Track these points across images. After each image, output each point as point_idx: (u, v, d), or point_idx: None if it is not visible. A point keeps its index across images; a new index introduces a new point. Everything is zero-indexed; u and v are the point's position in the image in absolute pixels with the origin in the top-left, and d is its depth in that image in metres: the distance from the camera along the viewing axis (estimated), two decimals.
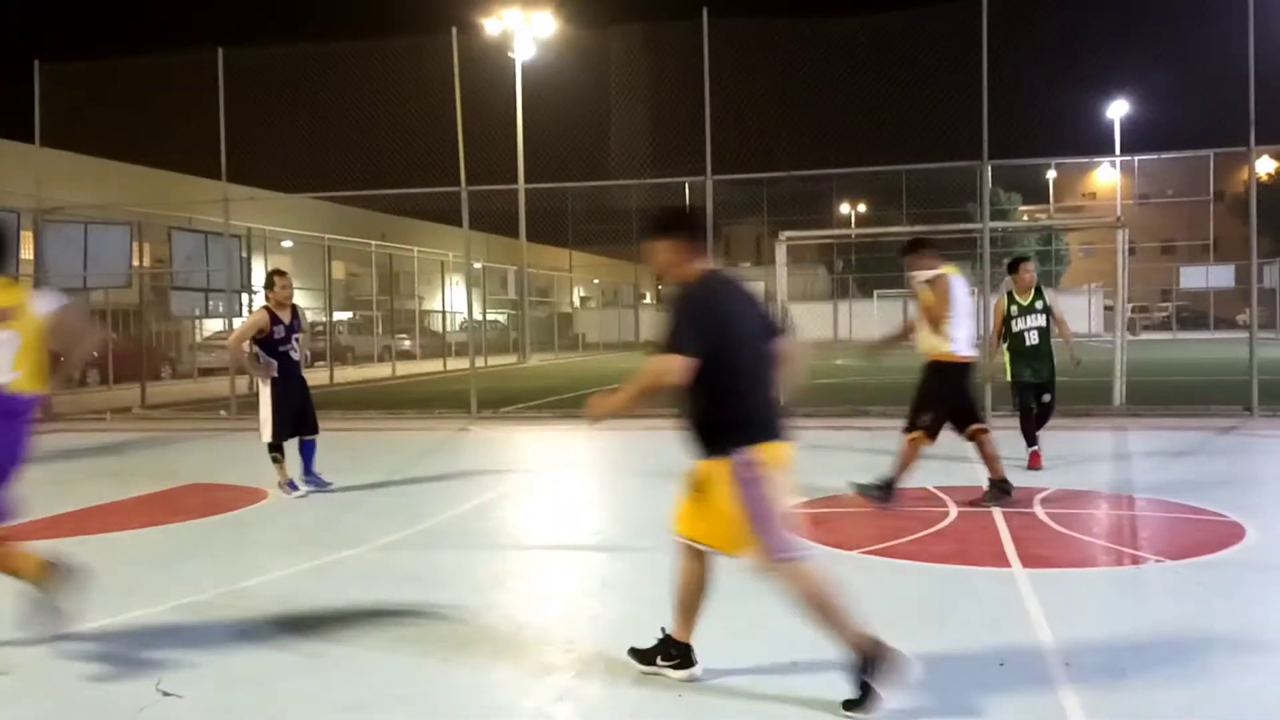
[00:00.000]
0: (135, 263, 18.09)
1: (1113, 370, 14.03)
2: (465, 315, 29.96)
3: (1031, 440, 9.17)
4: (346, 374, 26.96)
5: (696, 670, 4.10)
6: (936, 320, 7.24)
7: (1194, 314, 47.19)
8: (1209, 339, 37.71)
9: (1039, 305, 9.11)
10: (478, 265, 32.22)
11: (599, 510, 8.43)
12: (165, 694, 4.06)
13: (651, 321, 51.46)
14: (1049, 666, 4.17)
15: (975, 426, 7.55)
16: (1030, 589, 5.30)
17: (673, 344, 3.80)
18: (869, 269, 44.26)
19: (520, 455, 11.61)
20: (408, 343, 35.87)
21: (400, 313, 37.36)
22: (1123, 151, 44.16)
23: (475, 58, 17.37)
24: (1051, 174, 53.52)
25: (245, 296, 19.06)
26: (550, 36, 30.32)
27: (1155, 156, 46.31)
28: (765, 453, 3.88)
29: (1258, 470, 9.65)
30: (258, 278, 18.87)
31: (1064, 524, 6.96)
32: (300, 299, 12.88)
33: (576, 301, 56.13)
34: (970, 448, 7.73)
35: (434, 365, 30.89)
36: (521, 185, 25.62)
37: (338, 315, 31.63)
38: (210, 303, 17.98)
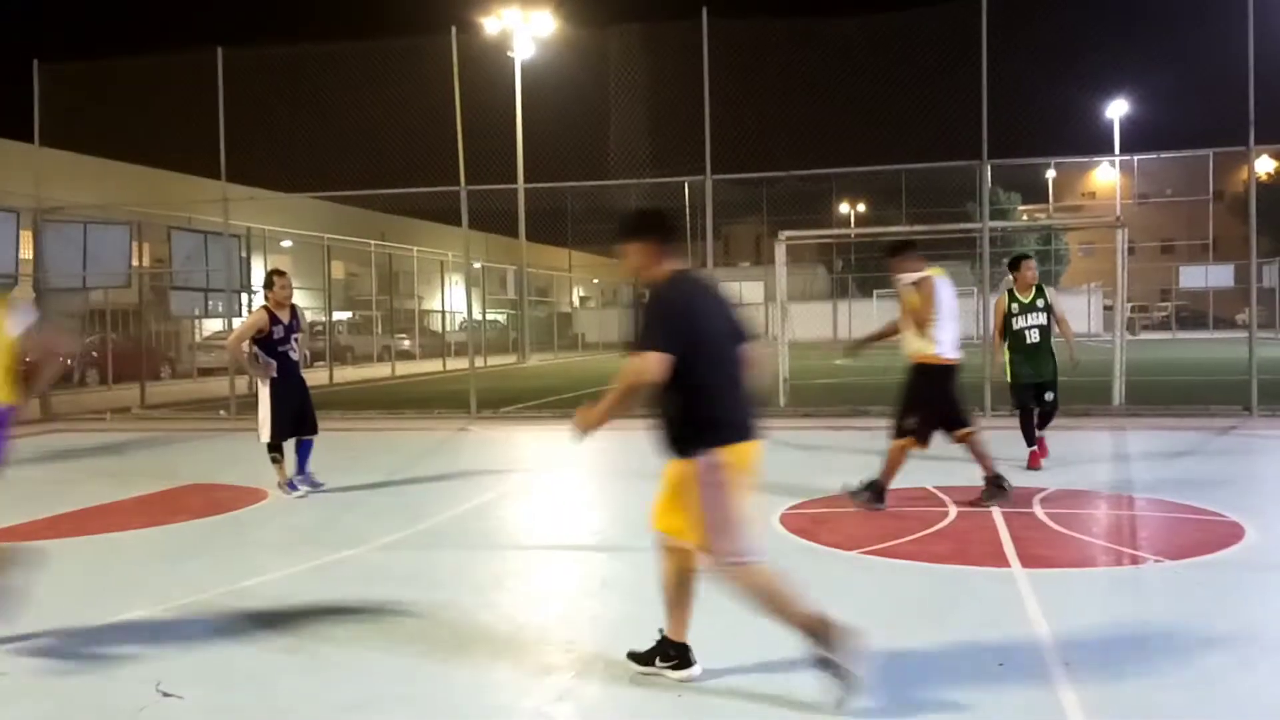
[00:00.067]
0: (135, 262, 18.09)
1: (1112, 370, 14.04)
2: (465, 315, 29.95)
3: (1031, 440, 9.16)
4: (346, 374, 26.95)
5: (695, 670, 4.10)
6: (922, 322, 7.25)
7: (1193, 314, 47.20)
8: (1208, 339, 37.72)
9: (1040, 304, 9.08)
10: (477, 265, 32.22)
11: (599, 510, 8.43)
12: (165, 694, 4.06)
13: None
14: (1048, 666, 4.18)
15: (962, 431, 7.53)
16: (1030, 589, 5.31)
17: (647, 342, 3.84)
18: (868, 269, 44.29)
19: (520, 455, 11.61)
20: (407, 342, 35.86)
21: (400, 312, 37.36)
22: (1122, 151, 44.18)
23: (475, 57, 17.37)
24: (1051, 173, 53.53)
25: (245, 296, 19.06)
26: (549, 36, 30.34)
27: (1154, 156, 46.26)
28: (733, 454, 3.93)
29: (1257, 470, 9.65)
30: (257, 277, 18.86)
31: (1063, 524, 6.96)
32: (300, 299, 12.85)
33: (576, 301, 56.11)
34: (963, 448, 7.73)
35: (433, 365, 30.90)
36: (521, 185, 25.63)
37: (337, 315, 31.63)
38: (210, 303, 17.98)
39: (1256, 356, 13.11)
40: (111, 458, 11.82)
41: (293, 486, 8.56)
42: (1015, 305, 9.16)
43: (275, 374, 8.41)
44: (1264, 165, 45.13)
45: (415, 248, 35.28)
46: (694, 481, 3.91)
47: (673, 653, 4.13)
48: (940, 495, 7.90)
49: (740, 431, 3.99)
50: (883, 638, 4.61)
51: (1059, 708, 3.77)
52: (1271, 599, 5.28)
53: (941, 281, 7.35)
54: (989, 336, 10.07)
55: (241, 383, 15.75)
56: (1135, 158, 50.58)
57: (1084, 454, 9.79)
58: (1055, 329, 9.17)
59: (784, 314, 16.44)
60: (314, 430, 8.73)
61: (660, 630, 4.16)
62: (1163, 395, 14.71)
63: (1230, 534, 6.49)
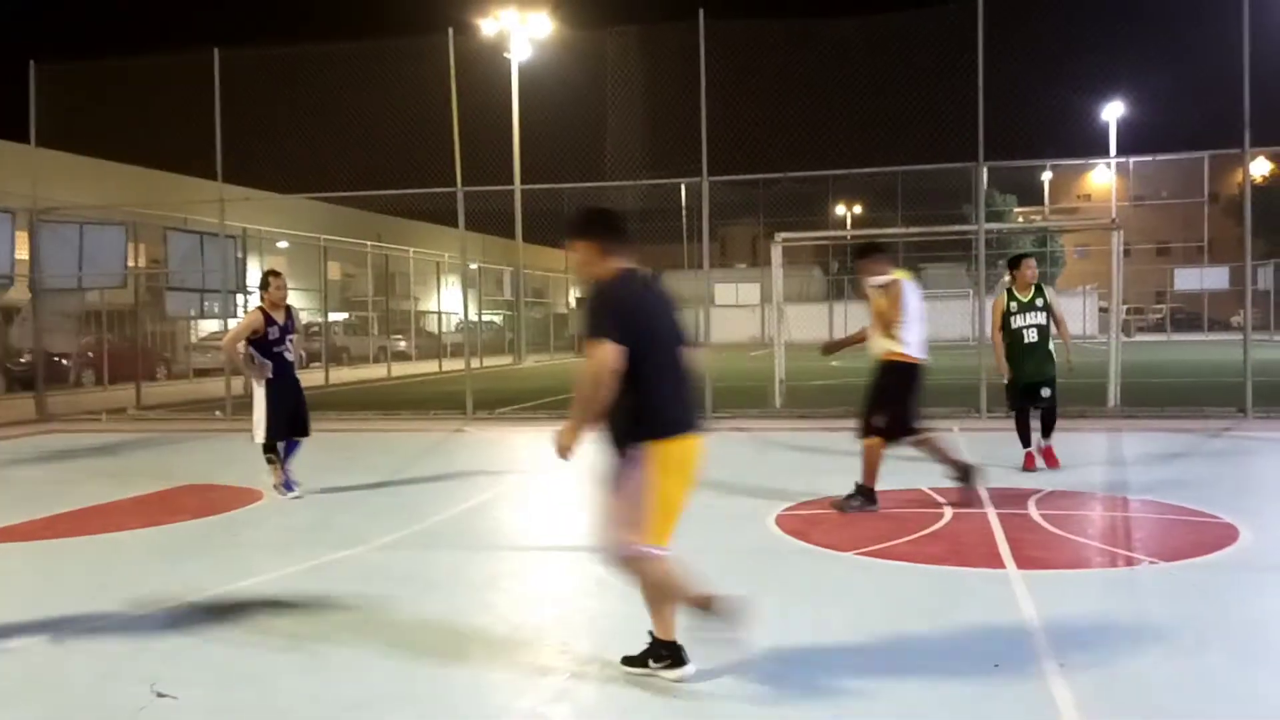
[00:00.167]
0: (131, 263, 18.07)
1: (1108, 371, 14.07)
2: (461, 316, 29.95)
3: (1026, 441, 9.16)
4: (342, 375, 26.94)
5: (689, 669, 4.11)
6: (889, 324, 7.32)
7: (1188, 315, 47.28)
8: (1203, 340, 37.80)
9: (1039, 303, 9.03)
10: (473, 266, 32.22)
11: (587, 512, 8.42)
12: (161, 695, 4.06)
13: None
14: (1043, 667, 4.19)
15: (917, 438, 7.54)
16: (1025, 590, 5.32)
17: (599, 334, 3.90)
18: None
19: (516, 456, 11.62)
20: (403, 344, 35.84)
21: (396, 313, 37.35)
22: (1117, 153, 44.24)
23: (472, 59, 17.37)
24: (1047, 175, 53.62)
25: (241, 297, 19.05)
26: (546, 38, 30.35)
27: (1150, 159, 46.38)
28: (671, 446, 4.01)
29: (1252, 472, 9.68)
30: (253, 278, 18.86)
31: (1058, 525, 6.97)
32: (296, 299, 12.85)
33: (572, 303, 56.13)
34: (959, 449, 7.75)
35: (429, 366, 30.88)
36: (518, 186, 25.63)
37: (333, 316, 31.61)
38: (205, 303, 17.96)
39: (1251, 358, 13.14)
40: (108, 458, 11.81)
41: (288, 487, 8.55)
42: (1014, 304, 9.10)
43: (271, 375, 8.40)
44: (1259, 168, 45.22)
45: (411, 249, 35.26)
46: (619, 470, 4.02)
47: (665, 653, 4.13)
48: (935, 496, 7.91)
49: (680, 425, 4.07)
50: (879, 638, 4.63)
51: (1054, 709, 3.78)
52: (1266, 600, 5.29)
53: (909, 285, 7.43)
54: (986, 337, 10.06)
55: (237, 383, 15.73)
56: (1131, 160, 50.69)
57: (1079, 455, 9.80)
58: (1053, 330, 9.15)
59: (780, 315, 16.46)
60: (306, 433, 8.72)
61: (650, 632, 4.17)
62: (1158, 397, 14.74)
63: (1225, 536, 6.51)
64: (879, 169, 17.48)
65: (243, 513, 8.05)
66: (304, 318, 11.62)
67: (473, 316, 31.21)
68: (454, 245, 19.04)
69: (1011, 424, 9.36)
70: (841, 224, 50.44)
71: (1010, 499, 7.77)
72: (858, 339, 7.96)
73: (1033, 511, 7.38)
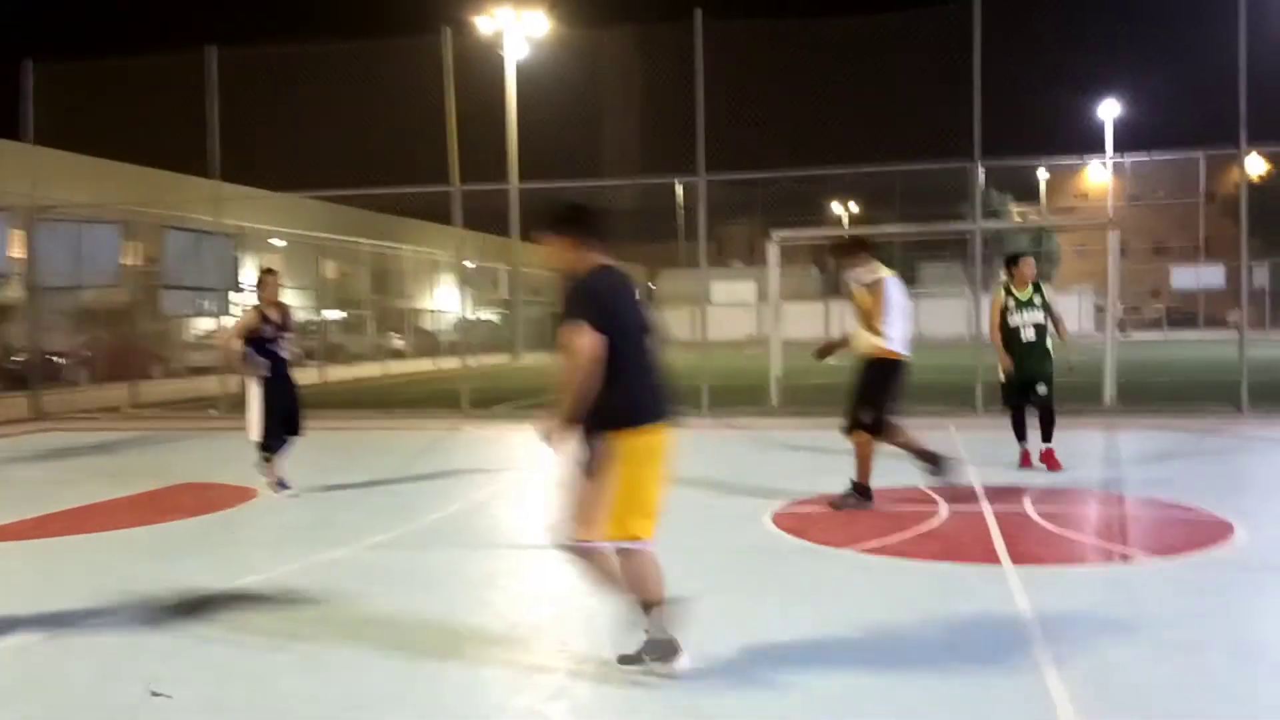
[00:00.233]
0: (127, 261, 18.03)
1: (1103, 369, 14.08)
2: (457, 314, 29.93)
3: (1021, 437, 9.15)
4: (338, 373, 26.91)
5: (684, 661, 4.10)
6: (873, 319, 7.34)
7: (1184, 314, 47.36)
8: (1199, 339, 37.86)
9: (1036, 301, 8.98)
10: (470, 264, 32.19)
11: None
12: (155, 694, 4.05)
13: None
14: (1040, 663, 4.19)
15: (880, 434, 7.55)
16: (1021, 587, 5.32)
17: (578, 320, 3.95)
18: None
19: (512, 454, 11.60)
20: (399, 341, 35.81)
21: (392, 312, 37.32)
22: (1114, 152, 44.30)
23: (468, 58, 17.37)
24: (1044, 174, 53.69)
25: (237, 295, 19.02)
26: (543, 37, 30.32)
27: (1146, 157, 46.42)
28: (641, 436, 4.06)
29: (1247, 469, 9.69)
30: (250, 277, 18.84)
31: (1054, 522, 6.98)
32: (292, 298, 12.82)
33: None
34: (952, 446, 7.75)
35: (425, 364, 30.85)
36: (514, 185, 25.61)
37: (329, 314, 31.58)
38: (202, 302, 17.92)
39: (1246, 356, 13.16)
40: (103, 457, 11.79)
41: (283, 485, 8.54)
42: (1011, 302, 9.04)
43: (267, 373, 8.39)
44: (1255, 166, 45.26)
45: (407, 247, 35.22)
46: (585, 460, 4.08)
47: (658, 647, 4.14)
48: (931, 494, 7.92)
49: (648, 416, 4.11)
50: (877, 635, 4.63)
51: (1051, 705, 3.78)
52: (1262, 597, 5.30)
53: (893, 281, 7.43)
54: (986, 337, 10.03)
55: (233, 381, 15.72)
56: (1127, 159, 50.75)
57: (1075, 453, 9.80)
58: (1051, 329, 9.06)
59: (777, 314, 16.46)
60: (298, 432, 8.69)
61: (645, 630, 4.16)
62: (1154, 395, 14.76)
63: (1220, 532, 6.52)
64: (875, 168, 17.46)
65: (238, 511, 8.04)
66: (300, 316, 11.57)
67: (469, 314, 31.19)
68: (450, 243, 19.04)
69: (1008, 421, 9.34)
70: (838, 223, 50.46)
71: (1006, 496, 7.78)
72: (847, 342, 7.93)
73: (1029, 508, 7.38)
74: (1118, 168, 52.59)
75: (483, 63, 18.30)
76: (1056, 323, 9.05)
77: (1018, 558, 5.93)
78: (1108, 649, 4.39)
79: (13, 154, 17.85)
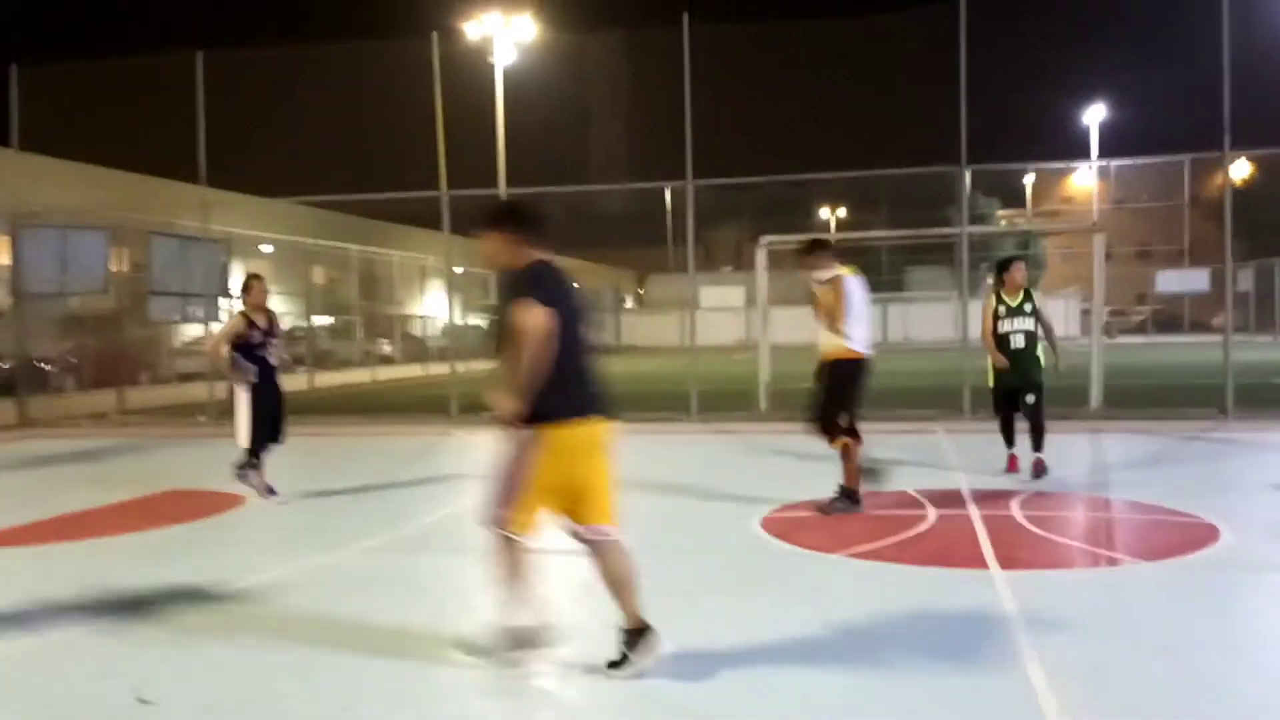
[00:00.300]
0: (114, 268, 17.96)
1: (1089, 373, 14.15)
2: (445, 320, 29.87)
3: (1010, 442, 9.14)
4: (326, 379, 26.84)
5: (656, 641, 4.19)
6: (833, 319, 7.36)
7: (1169, 317, 47.58)
8: (1184, 342, 38.05)
9: (1027, 308, 8.81)
10: (459, 270, 32.14)
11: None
12: (143, 701, 4.04)
13: (631, 324, 51.48)
14: (1028, 667, 4.22)
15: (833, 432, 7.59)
16: (1008, 590, 5.35)
17: (526, 299, 4.00)
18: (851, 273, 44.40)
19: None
20: (388, 347, 35.73)
21: (380, 317, 37.25)
22: (1098, 157, 44.51)
23: (456, 63, 17.38)
24: (1030, 178, 53.88)
25: (224, 301, 18.97)
26: (532, 42, 30.30)
27: (1132, 162, 46.71)
28: (569, 432, 4.12)
29: (1232, 472, 9.75)
30: (237, 283, 18.78)
31: (1041, 526, 7.02)
32: (280, 303, 12.73)
33: None
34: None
35: (415, 370, 30.80)
36: (503, 189, 25.57)
37: (318, 320, 31.48)
38: (189, 308, 17.86)
39: (1231, 360, 13.25)
40: (91, 464, 11.74)
41: (272, 491, 8.52)
42: (1001, 308, 8.87)
43: (254, 379, 8.38)
44: (1239, 170, 45.58)
45: (396, 252, 35.15)
46: (510, 447, 4.15)
47: (634, 638, 4.20)
48: (919, 498, 7.95)
49: (579, 410, 4.17)
50: (865, 639, 4.65)
51: (1038, 708, 3.80)
52: (1247, 599, 5.35)
53: (852, 280, 7.45)
54: (973, 341, 9.96)
55: (220, 388, 15.67)
56: (1112, 163, 51.02)
57: (1061, 456, 9.85)
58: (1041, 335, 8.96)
59: (765, 318, 16.50)
60: (279, 439, 8.66)
61: (621, 630, 4.21)
62: (1139, 398, 14.83)
63: (1206, 535, 6.57)
64: (863, 172, 17.54)
65: (227, 517, 8.02)
66: (288, 322, 11.52)
67: (458, 320, 31.14)
68: (439, 248, 19.02)
69: (996, 425, 9.34)
70: (826, 228, 50.57)
71: (994, 500, 7.82)
72: None
73: (1015, 512, 7.42)
74: (1103, 172, 52.82)
75: (471, 67, 18.31)
76: (1048, 332, 8.88)
77: (1005, 562, 5.96)
78: (1095, 652, 4.42)
79: None
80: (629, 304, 58.65)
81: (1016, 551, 6.26)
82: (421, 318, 37.94)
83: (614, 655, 4.23)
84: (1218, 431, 12.00)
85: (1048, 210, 65.96)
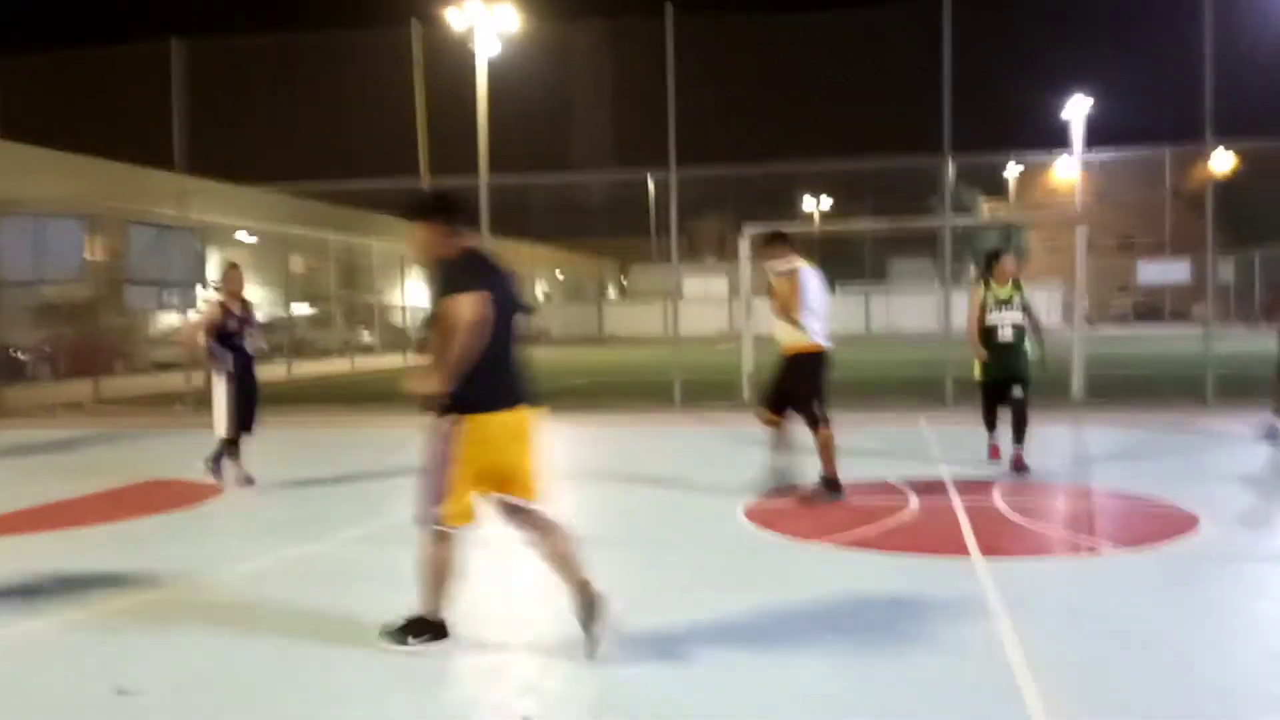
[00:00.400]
0: (90, 256, 17.80)
1: (1071, 363, 14.18)
2: (426, 309, 29.77)
3: (992, 428, 9.08)
4: (306, 368, 26.69)
5: (607, 603, 4.24)
6: (789, 310, 7.39)
7: (1150, 308, 47.88)
8: (1165, 333, 38.30)
9: (1016, 300, 8.67)
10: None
11: (561, 506, 8.37)
12: (122, 693, 3.99)
13: (614, 314, 51.46)
14: (1008, 654, 4.20)
15: (778, 421, 7.65)
16: (989, 578, 5.35)
17: (459, 289, 4.04)
18: (832, 264, 44.59)
19: None
20: (368, 336, 35.56)
21: (360, 306, 37.07)
22: (1083, 148, 44.64)
23: (438, 51, 17.25)
24: (1015, 168, 54.03)
25: (202, 290, 18.83)
26: (515, 30, 30.15)
27: (1114, 153, 46.86)
28: (492, 421, 4.16)
29: (1211, 462, 9.78)
30: (215, 271, 18.63)
31: (1023, 515, 7.02)
32: (258, 292, 12.61)
33: (539, 296, 55.97)
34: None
35: (395, 359, 30.66)
36: (484, 178, 25.43)
37: (297, 309, 31.31)
38: (167, 296, 17.74)
39: (1212, 351, 13.30)
40: (66, 454, 11.61)
41: (249, 481, 8.45)
42: (990, 299, 8.71)
43: (230, 367, 8.31)
44: (1222, 162, 45.82)
45: (375, 241, 34.95)
46: (433, 439, 4.18)
47: (589, 605, 4.25)
48: (901, 486, 7.95)
49: (500, 401, 4.21)
50: (847, 628, 4.64)
51: (1019, 695, 3.79)
52: (1225, 588, 5.35)
53: (809, 272, 7.47)
54: (956, 332, 9.90)
55: (198, 377, 15.55)
56: (1097, 155, 51.19)
57: (1043, 446, 9.87)
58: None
59: (749, 309, 16.47)
60: (250, 429, 8.57)
61: (575, 599, 4.29)
62: (1121, 388, 14.89)
63: (1185, 524, 6.58)
64: (846, 161, 17.54)
65: (205, 508, 7.94)
66: (266, 310, 11.43)
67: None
68: None
69: (978, 415, 9.28)
70: (809, 218, 50.62)
71: (976, 489, 7.82)
72: None
73: (997, 501, 7.42)
74: (1086, 163, 53.02)
75: (453, 56, 18.19)
76: (1035, 325, 8.74)
77: (987, 550, 5.96)
78: (1075, 640, 4.42)
79: None
80: (612, 294, 58.58)
81: (998, 540, 6.26)
82: (402, 307, 37.77)
83: (578, 623, 4.27)
84: (1198, 422, 12.06)
85: (1031, 202, 66.24)
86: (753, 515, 7.12)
